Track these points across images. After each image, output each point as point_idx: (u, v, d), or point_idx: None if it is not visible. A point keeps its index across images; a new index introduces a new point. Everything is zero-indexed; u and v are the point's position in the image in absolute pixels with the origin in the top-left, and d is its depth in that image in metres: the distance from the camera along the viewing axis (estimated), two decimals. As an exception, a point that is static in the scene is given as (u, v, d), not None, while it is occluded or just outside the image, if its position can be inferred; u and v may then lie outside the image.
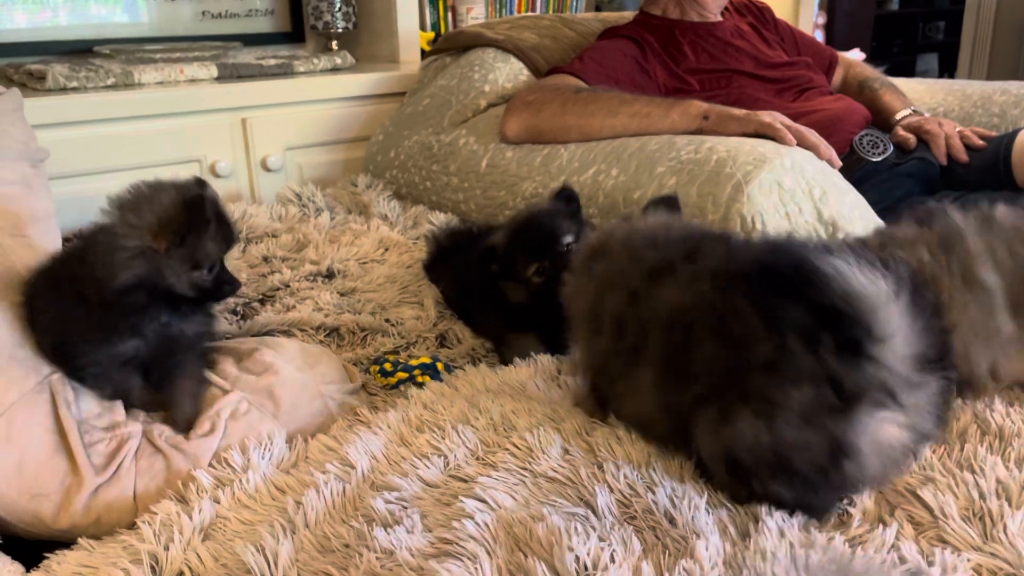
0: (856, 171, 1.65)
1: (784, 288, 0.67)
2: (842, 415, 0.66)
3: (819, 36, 4.60)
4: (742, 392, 0.69)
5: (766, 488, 0.71)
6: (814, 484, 0.70)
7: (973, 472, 0.76)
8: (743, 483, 0.73)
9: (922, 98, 2.05)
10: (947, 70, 5.79)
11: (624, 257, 0.87)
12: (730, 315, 0.71)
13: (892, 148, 1.71)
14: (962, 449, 0.80)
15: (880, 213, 1.39)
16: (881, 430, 0.68)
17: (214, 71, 1.96)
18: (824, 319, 0.65)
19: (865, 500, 0.74)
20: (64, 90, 1.77)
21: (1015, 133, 1.66)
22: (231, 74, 1.98)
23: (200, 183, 0.98)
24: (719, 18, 1.88)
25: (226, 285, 0.99)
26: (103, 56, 2.02)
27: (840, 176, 1.36)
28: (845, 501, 0.74)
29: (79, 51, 2.07)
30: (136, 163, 1.77)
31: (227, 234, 0.99)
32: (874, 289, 0.64)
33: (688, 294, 0.76)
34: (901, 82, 2.24)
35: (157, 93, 1.83)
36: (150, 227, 0.92)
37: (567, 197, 1.23)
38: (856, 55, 4.86)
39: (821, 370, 0.66)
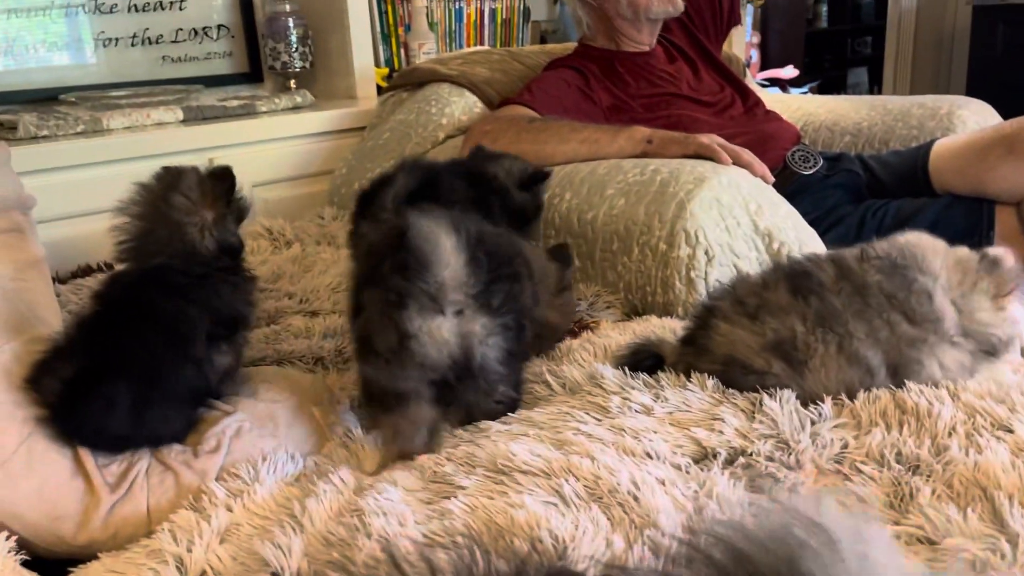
0: (790, 184, 1.79)
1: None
2: (399, 310, 0.94)
3: (754, 56, 4.78)
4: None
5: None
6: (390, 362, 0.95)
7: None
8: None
9: (848, 114, 2.21)
10: (876, 82, 6.06)
11: None
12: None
13: (822, 162, 1.86)
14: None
15: (814, 221, 1.52)
16: (431, 325, 0.94)
17: (180, 114, 2.04)
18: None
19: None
20: (35, 139, 1.84)
21: (931, 143, 1.82)
22: (196, 116, 2.06)
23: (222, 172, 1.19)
24: (650, 47, 2.01)
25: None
26: (69, 104, 2.08)
27: (773, 190, 1.49)
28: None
29: (43, 99, 2.13)
30: (109, 206, 1.81)
31: None
32: (430, 236, 0.93)
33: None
34: (829, 99, 2.40)
35: (126, 138, 1.90)
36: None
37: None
38: (790, 72, 5.06)
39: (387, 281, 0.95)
